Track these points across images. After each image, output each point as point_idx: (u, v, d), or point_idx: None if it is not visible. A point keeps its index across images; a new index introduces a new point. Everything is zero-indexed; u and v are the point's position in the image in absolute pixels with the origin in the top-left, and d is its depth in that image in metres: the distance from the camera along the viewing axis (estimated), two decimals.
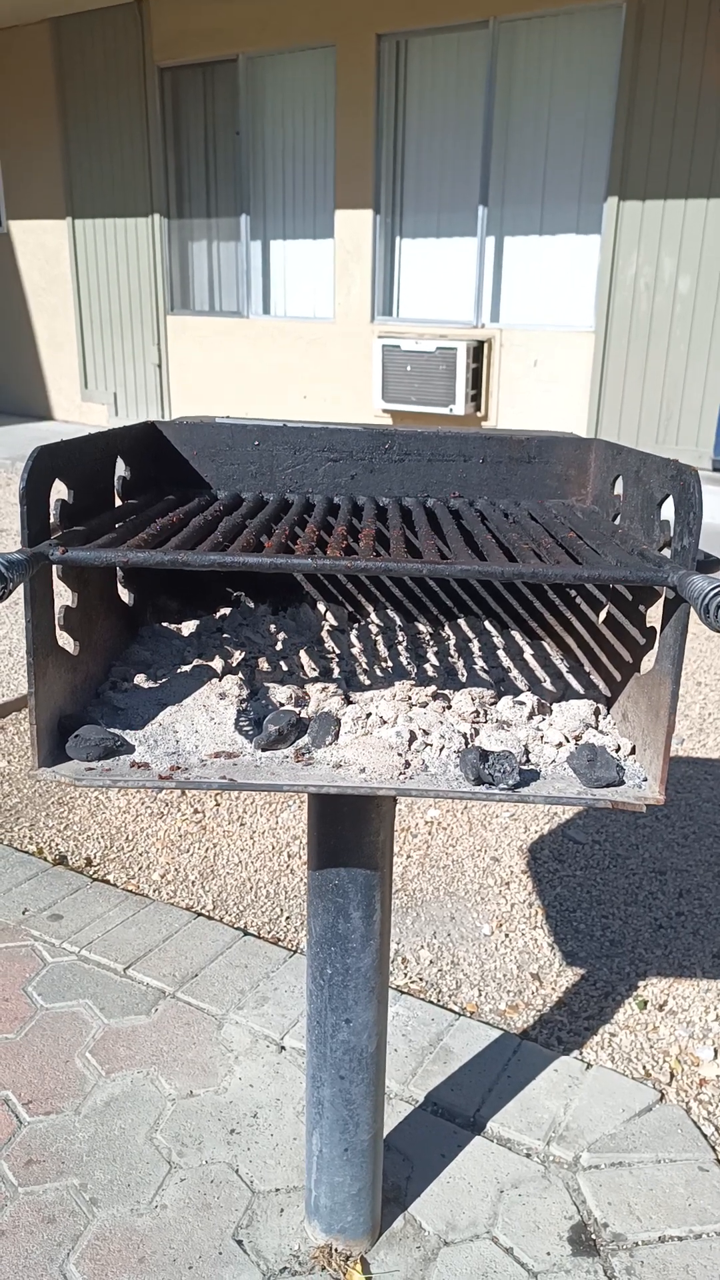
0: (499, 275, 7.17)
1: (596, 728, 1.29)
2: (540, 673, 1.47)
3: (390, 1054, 2.02)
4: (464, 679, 1.41)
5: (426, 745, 1.20)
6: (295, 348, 8.15)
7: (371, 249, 7.50)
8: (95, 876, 2.63)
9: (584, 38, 6.41)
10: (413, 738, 1.20)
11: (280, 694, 1.29)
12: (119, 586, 1.49)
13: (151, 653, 1.46)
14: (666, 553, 1.20)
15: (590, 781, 1.15)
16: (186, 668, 1.39)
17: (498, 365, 7.18)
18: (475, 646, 1.54)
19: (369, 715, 1.25)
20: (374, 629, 1.58)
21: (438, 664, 1.46)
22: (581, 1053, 2.06)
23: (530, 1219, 1.68)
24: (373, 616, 1.64)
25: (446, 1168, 1.77)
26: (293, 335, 8.15)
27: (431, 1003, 2.19)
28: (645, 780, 1.17)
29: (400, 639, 1.55)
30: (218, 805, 3.01)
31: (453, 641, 1.56)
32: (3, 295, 9.92)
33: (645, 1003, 2.21)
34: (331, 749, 1.20)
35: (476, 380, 7.17)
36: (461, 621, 1.63)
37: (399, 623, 1.61)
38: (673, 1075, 2.01)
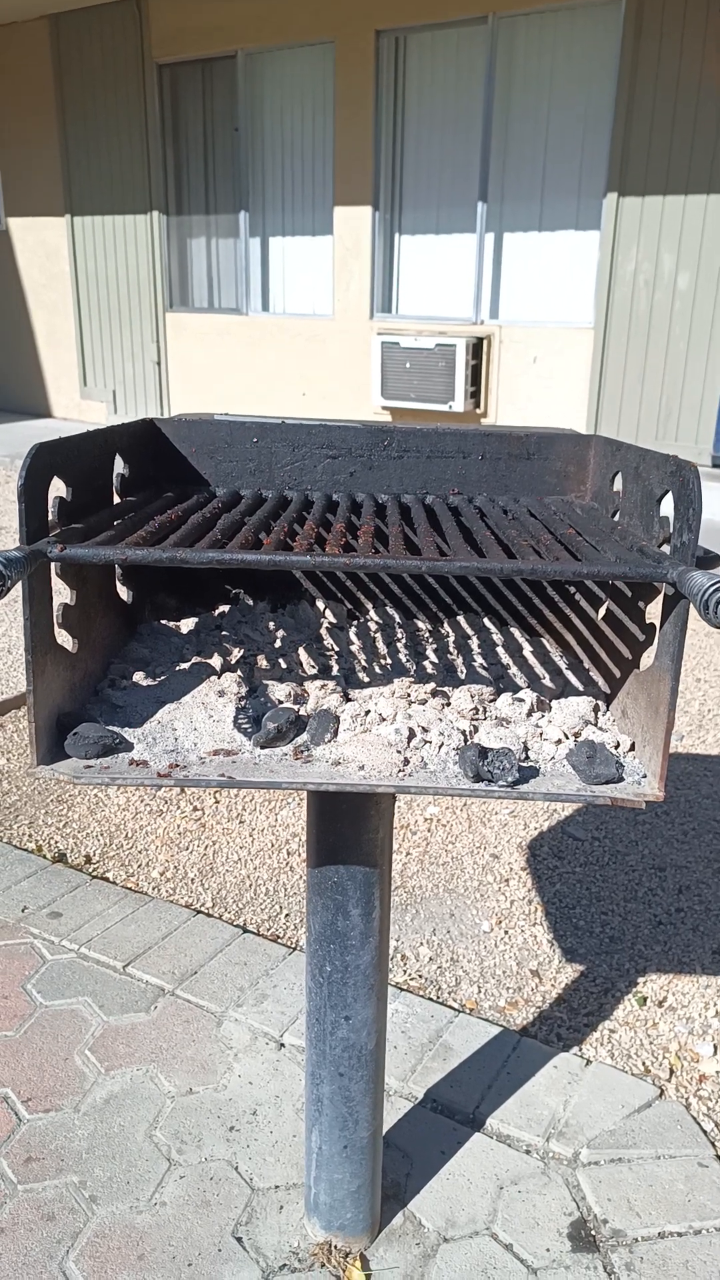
0: (498, 271, 7.16)
1: (596, 724, 1.29)
2: (539, 669, 1.47)
3: (390, 1051, 2.02)
4: (463, 676, 1.40)
5: (425, 742, 1.19)
6: (294, 345, 8.14)
7: (370, 245, 7.49)
8: (94, 874, 2.63)
9: (583, 33, 6.40)
10: (412, 735, 1.20)
11: (279, 691, 1.29)
12: (117, 584, 1.49)
13: (150, 650, 1.45)
14: (666, 549, 1.20)
15: (590, 778, 1.15)
16: (185, 665, 1.39)
17: (497, 362, 7.18)
18: (474, 643, 1.53)
19: (368, 712, 1.25)
20: (373, 626, 1.58)
21: (437, 661, 1.46)
22: (581, 1049, 2.06)
23: (530, 1215, 1.68)
24: (372, 614, 1.64)
25: (446, 1164, 1.77)
26: (292, 332, 8.14)
27: (431, 999, 2.19)
28: (645, 777, 1.17)
29: (399, 636, 1.55)
30: (217, 802, 3.01)
31: (452, 638, 1.55)
32: (2, 293, 9.90)
33: (645, 999, 2.21)
34: (330, 746, 1.20)
35: (476, 377, 7.16)
36: (461, 618, 1.63)
37: (398, 620, 1.61)
38: (672, 1071, 2.01)
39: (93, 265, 9.12)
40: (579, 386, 6.92)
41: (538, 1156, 1.80)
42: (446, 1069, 1.98)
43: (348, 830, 1.35)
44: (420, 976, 2.28)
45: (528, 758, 1.20)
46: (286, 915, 2.49)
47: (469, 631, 1.59)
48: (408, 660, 1.46)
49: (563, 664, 1.50)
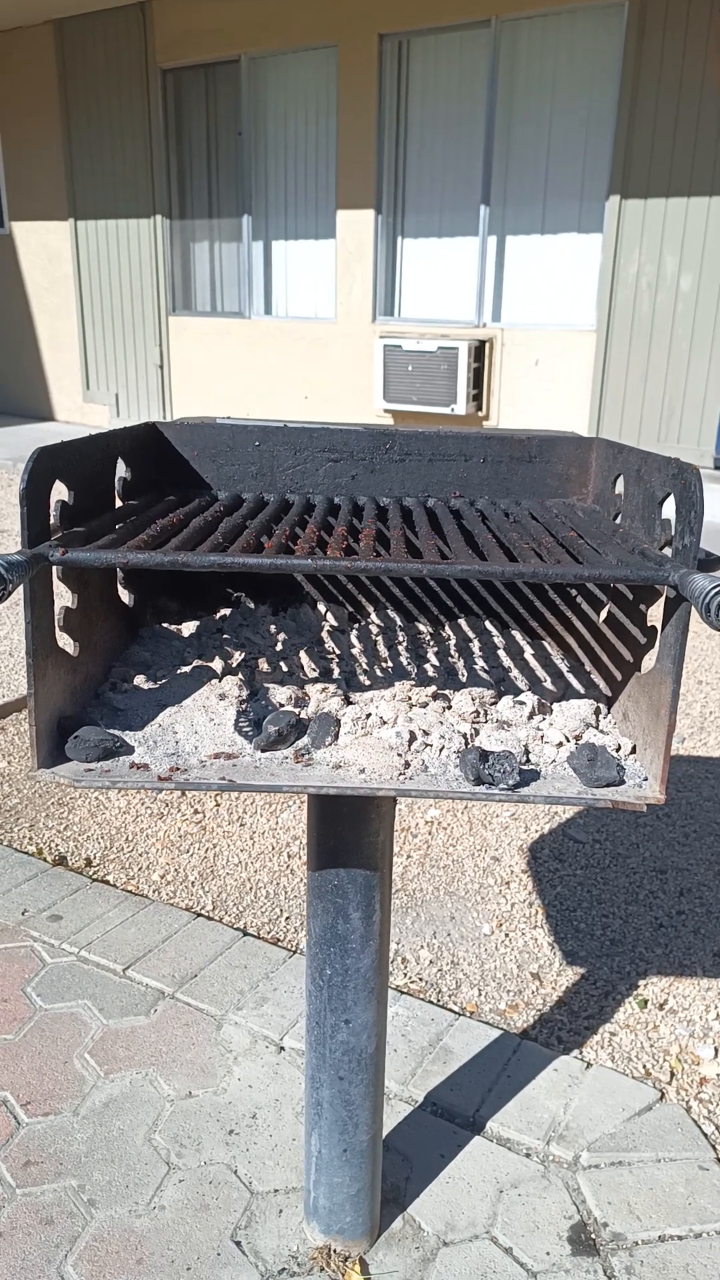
0: (500, 275, 7.16)
1: (597, 727, 1.29)
2: (541, 672, 1.47)
3: (390, 1054, 2.02)
4: (464, 679, 1.40)
5: (426, 745, 1.19)
6: (297, 348, 8.15)
7: (373, 249, 7.50)
8: (95, 877, 2.63)
9: (586, 36, 6.40)
10: (413, 738, 1.19)
11: (280, 695, 1.29)
12: (119, 587, 1.49)
13: (151, 654, 1.45)
14: (668, 551, 1.20)
15: (590, 781, 1.15)
16: (186, 669, 1.39)
17: (499, 365, 7.18)
18: (475, 646, 1.53)
19: (369, 716, 1.25)
20: (374, 629, 1.58)
21: (438, 664, 1.46)
22: (581, 1052, 2.06)
23: (530, 1219, 1.67)
24: (373, 617, 1.64)
25: (446, 1168, 1.77)
26: (294, 335, 8.15)
27: (431, 1003, 2.19)
28: (646, 779, 1.17)
29: (400, 639, 1.55)
30: (218, 806, 3.01)
31: (453, 641, 1.55)
32: (5, 296, 9.92)
33: (645, 1002, 2.20)
34: (331, 749, 1.20)
35: (478, 380, 7.17)
36: (462, 621, 1.63)
37: (399, 623, 1.61)
38: (673, 1074, 2.00)
39: (96, 269, 9.14)
40: (581, 389, 6.92)
41: (538, 1160, 1.80)
42: (447, 1072, 1.98)
43: (348, 833, 1.35)
44: (421, 979, 2.28)
45: (529, 760, 1.20)
46: (287, 918, 2.48)
47: (470, 634, 1.59)
48: (409, 663, 1.46)
49: (564, 667, 1.50)
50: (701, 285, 6.26)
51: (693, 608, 1.03)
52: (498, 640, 1.57)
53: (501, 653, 1.53)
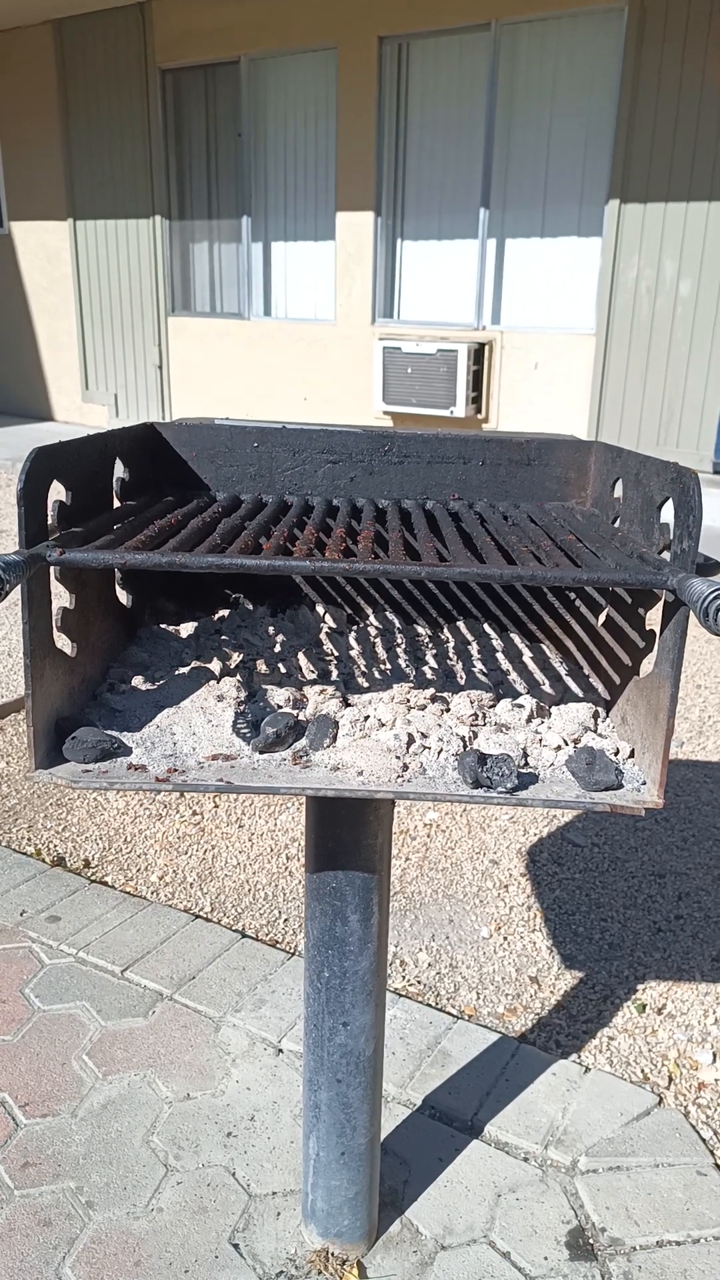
0: (500, 278, 7.17)
1: (595, 731, 1.29)
2: (539, 676, 1.47)
3: (388, 1057, 2.01)
4: (463, 682, 1.40)
5: (425, 748, 1.19)
6: (296, 349, 8.15)
7: (373, 251, 7.51)
8: (93, 878, 2.63)
9: (586, 40, 6.41)
10: (411, 740, 1.19)
11: (278, 696, 1.29)
12: (117, 588, 1.49)
13: (149, 654, 1.45)
14: (666, 556, 1.20)
15: (589, 785, 1.14)
16: (184, 670, 1.38)
17: (498, 368, 7.19)
18: (474, 649, 1.53)
19: (367, 718, 1.25)
20: (372, 631, 1.57)
21: (436, 666, 1.46)
22: (580, 1056, 2.06)
23: (528, 1223, 1.67)
24: (371, 619, 1.64)
25: (444, 1171, 1.77)
26: (293, 337, 8.15)
27: (429, 1006, 2.19)
28: (644, 784, 1.17)
29: (399, 641, 1.54)
30: (216, 807, 3.01)
31: (451, 644, 1.55)
32: (4, 296, 9.92)
33: (644, 1006, 2.20)
34: (329, 751, 1.19)
35: (477, 382, 7.17)
36: (460, 624, 1.63)
37: (398, 625, 1.60)
38: (671, 1079, 2.00)
39: (95, 269, 9.14)
40: (580, 392, 6.92)
41: (536, 1164, 1.79)
42: (445, 1075, 1.98)
43: (346, 836, 1.35)
44: (419, 982, 2.27)
45: (527, 764, 1.20)
46: (285, 920, 2.48)
47: (469, 637, 1.58)
48: (407, 665, 1.46)
49: (562, 670, 1.50)
50: (701, 289, 6.27)
51: (691, 612, 1.03)
52: (496, 643, 1.57)
53: (500, 656, 1.52)
